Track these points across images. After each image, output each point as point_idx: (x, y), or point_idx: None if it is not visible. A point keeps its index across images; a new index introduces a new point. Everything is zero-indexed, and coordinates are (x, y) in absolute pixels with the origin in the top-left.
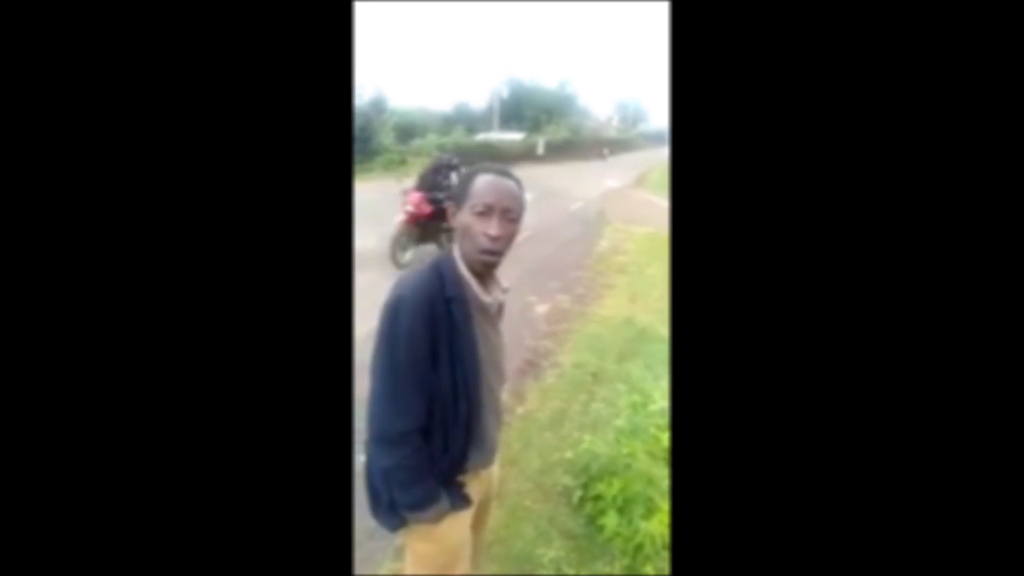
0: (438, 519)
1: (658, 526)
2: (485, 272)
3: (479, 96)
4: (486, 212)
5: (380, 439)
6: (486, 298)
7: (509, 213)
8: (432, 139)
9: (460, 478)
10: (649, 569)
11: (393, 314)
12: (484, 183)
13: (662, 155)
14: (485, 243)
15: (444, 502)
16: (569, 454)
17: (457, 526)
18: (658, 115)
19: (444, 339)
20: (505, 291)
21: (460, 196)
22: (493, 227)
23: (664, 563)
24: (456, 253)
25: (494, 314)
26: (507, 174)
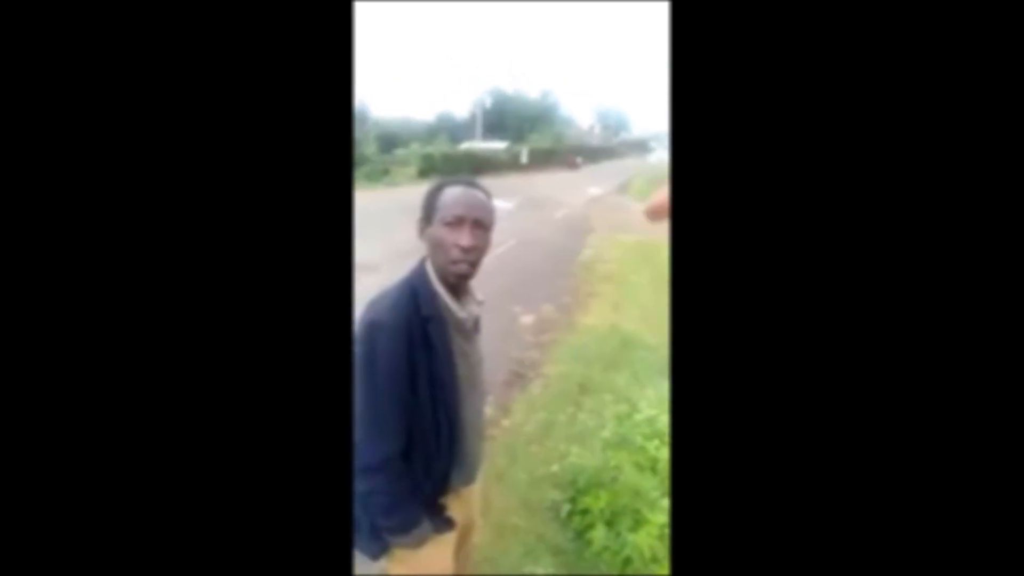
0: (420, 543)
1: (646, 538)
2: (459, 285)
3: (461, 106)
4: (456, 223)
5: (360, 468)
6: (461, 313)
7: (480, 223)
8: (415, 149)
9: (442, 500)
10: None
11: (369, 339)
12: (452, 195)
13: (644, 163)
14: (457, 254)
15: (426, 526)
16: (556, 467)
17: (439, 552)
18: (640, 123)
19: (422, 360)
20: (480, 304)
21: (428, 211)
22: (465, 237)
23: None
24: (429, 268)
25: (470, 329)
26: (475, 185)
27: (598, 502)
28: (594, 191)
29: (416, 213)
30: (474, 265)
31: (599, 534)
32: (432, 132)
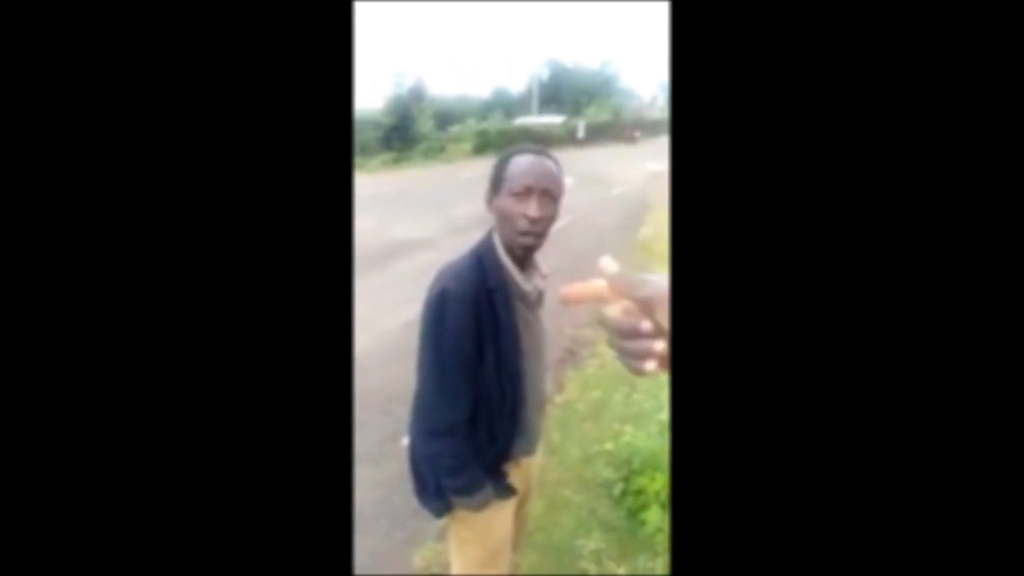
0: (482, 507)
1: None
2: (525, 257)
3: (518, 80)
4: (525, 193)
5: (429, 431)
6: (526, 286)
7: (549, 193)
8: (471, 125)
9: (503, 467)
10: None
11: (438, 307)
12: (521, 164)
13: None
14: (525, 225)
15: (488, 490)
16: (610, 446)
17: (500, 518)
18: None
19: (488, 330)
20: (545, 277)
21: (497, 181)
22: (533, 208)
23: None
24: (496, 240)
25: (534, 301)
26: (544, 154)
27: (654, 484)
28: (654, 167)
29: (471, 189)
30: (541, 236)
31: (654, 515)
32: (488, 108)
